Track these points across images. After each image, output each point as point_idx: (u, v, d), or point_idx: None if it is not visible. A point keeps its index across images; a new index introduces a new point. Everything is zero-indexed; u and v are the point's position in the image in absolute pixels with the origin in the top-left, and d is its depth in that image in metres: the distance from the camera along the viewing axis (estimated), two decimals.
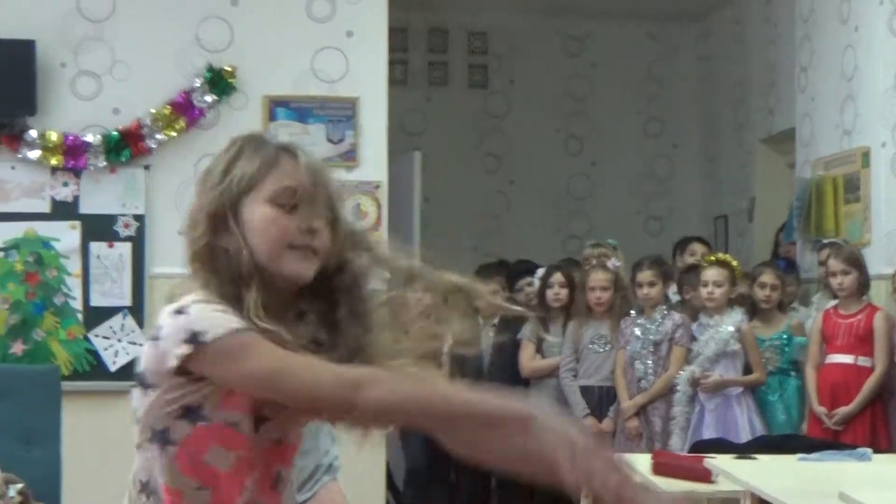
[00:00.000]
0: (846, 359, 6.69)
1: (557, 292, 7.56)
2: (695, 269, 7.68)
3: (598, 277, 7.38)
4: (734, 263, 7.17)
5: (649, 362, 7.12)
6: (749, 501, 4.46)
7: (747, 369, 6.97)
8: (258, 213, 2.30)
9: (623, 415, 7.13)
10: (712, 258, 7.21)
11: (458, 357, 3.05)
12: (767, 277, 7.15)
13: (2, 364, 7.03)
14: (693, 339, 7.06)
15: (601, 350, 7.33)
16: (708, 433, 6.73)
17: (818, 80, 8.22)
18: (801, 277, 7.82)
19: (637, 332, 7.16)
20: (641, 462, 5.44)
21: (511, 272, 8.50)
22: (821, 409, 6.67)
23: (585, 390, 7.32)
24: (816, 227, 7.98)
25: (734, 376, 6.94)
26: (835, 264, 6.77)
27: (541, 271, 7.82)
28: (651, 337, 7.13)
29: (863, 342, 6.65)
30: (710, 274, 7.02)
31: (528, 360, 7.55)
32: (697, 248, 8.28)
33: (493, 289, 2.47)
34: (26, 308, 7.30)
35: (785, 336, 7.05)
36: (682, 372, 6.97)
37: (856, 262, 6.78)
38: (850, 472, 4.64)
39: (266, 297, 2.27)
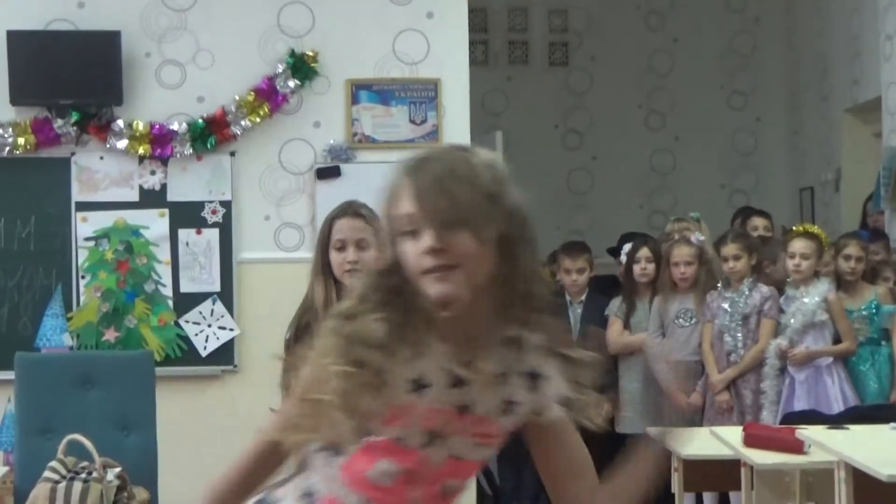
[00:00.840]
0: None
1: (644, 267, 7.53)
2: (768, 242, 7.61)
3: (681, 252, 7.34)
4: (822, 235, 7.10)
5: (739, 335, 7.07)
6: (843, 471, 4.43)
7: (837, 340, 6.91)
8: (400, 248, 2.21)
9: (713, 389, 7.09)
10: (800, 229, 7.13)
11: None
12: (852, 249, 7.02)
13: (96, 351, 7.13)
14: (780, 311, 7.02)
15: (687, 325, 7.29)
16: (799, 405, 6.67)
17: None
18: (891, 246, 7.72)
19: (725, 305, 7.11)
20: (732, 435, 5.42)
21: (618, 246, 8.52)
22: None
23: (676, 365, 7.28)
24: None
25: (824, 346, 6.88)
26: None
27: (627, 246, 7.79)
28: (740, 310, 7.08)
29: None
30: (798, 245, 6.95)
31: (616, 335, 7.52)
32: (759, 220, 8.20)
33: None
34: (118, 296, 7.40)
35: (873, 305, 6.96)
36: (771, 345, 6.93)
37: None
38: None
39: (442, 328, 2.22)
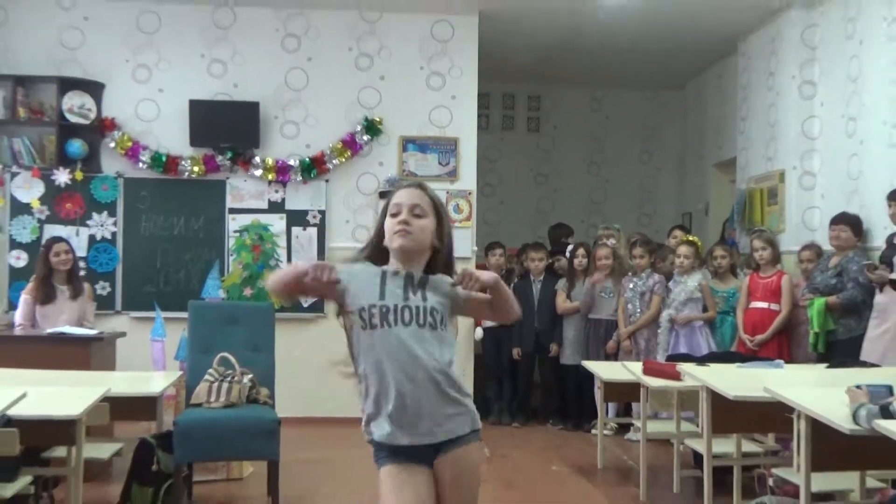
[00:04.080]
0: (763, 305, 6.59)
1: (581, 261, 7.55)
2: (661, 247, 7.57)
3: (602, 252, 7.39)
4: (699, 243, 7.09)
5: (638, 305, 7.08)
6: (705, 392, 4.43)
7: (706, 310, 6.90)
8: None
9: (621, 338, 7.11)
10: (684, 239, 7.14)
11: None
12: (718, 252, 7.07)
13: (239, 301, 7.15)
14: (668, 290, 7.01)
15: (607, 297, 7.31)
16: (680, 350, 6.67)
17: (752, 127, 8.10)
18: (739, 252, 7.69)
19: (631, 286, 7.14)
20: (636, 368, 5.42)
21: (553, 243, 8.50)
22: (746, 336, 6.59)
23: (598, 322, 7.30)
24: (749, 220, 7.86)
25: (697, 314, 6.88)
26: (758, 243, 6.68)
27: (571, 246, 7.80)
28: (639, 289, 7.09)
29: (774, 295, 6.55)
30: (683, 250, 6.96)
31: (562, 302, 7.54)
32: (678, 232, 8.08)
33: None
34: (253, 268, 7.42)
35: (732, 291, 6.92)
36: (664, 313, 6.92)
37: (772, 242, 6.68)
38: (770, 375, 4.59)
39: None
